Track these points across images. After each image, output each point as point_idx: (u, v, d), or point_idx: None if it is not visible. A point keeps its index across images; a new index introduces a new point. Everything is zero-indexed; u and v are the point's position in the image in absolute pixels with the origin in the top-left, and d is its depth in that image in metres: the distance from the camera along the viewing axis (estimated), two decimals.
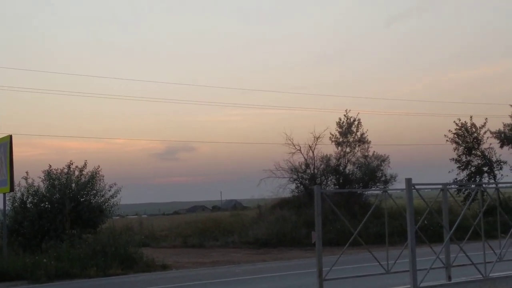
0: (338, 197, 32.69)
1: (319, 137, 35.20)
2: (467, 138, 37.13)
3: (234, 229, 33.31)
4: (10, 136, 22.70)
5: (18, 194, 25.39)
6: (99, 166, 26.45)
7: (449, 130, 37.24)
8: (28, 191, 25.58)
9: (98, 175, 26.24)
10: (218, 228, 34.21)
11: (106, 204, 26.32)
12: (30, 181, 25.64)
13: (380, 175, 34.91)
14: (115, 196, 26.47)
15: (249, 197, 47.03)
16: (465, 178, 36.21)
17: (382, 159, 35.32)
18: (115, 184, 26.60)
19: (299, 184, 35.35)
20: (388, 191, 13.52)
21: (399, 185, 28.21)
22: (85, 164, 26.25)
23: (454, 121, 37.35)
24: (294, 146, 35.05)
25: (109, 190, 26.38)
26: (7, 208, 24.15)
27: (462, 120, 37.31)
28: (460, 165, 37.09)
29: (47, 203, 25.48)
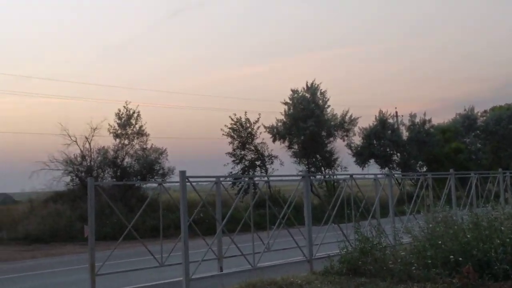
0: (115, 190, 32.22)
1: (96, 128, 34.30)
2: (241, 133, 38.58)
3: (2, 225, 31.22)
4: None
5: None
6: None
7: (225, 125, 38.47)
8: None
9: None
10: None
11: None
12: None
13: (158, 168, 34.99)
14: None
15: (20, 190, 44.50)
16: (240, 172, 37.62)
17: (160, 152, 35.45)
18: None
19: (74, 177, 34.18)
20: (166, 184, 13.57)
21: (177, 178, 28.48)
22: None
23: (230, 116, 38.66)
24: (70, 137, 33.83)
25: None
26: None
27: (238, 116, 38.75)
28: (235, 159, 38.48)
29: None
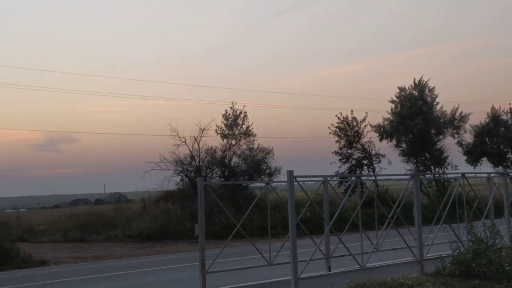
0: (223, 189, 32.79)
1: (204, 129, 35.13)
2: (348, 132, 38.24)
3: (117, 223, 32.57)
4: None
5: None
6: None
7: (331, 124, 38.25)
8: None
9: None
10: (101, 221, 33.32)
11: None
12: None
13: (264, 167, 35.30)
14: None
15: (133, 190, 46.22)
16: (346, 171, 37.30)
17: (267, 152, 35.74)
18: None
19: (184, 177, 35.13)
20: (272, 184, 13.65)
21: (283, 177, 28.62)
22: None
23: (336, 115, 38.40)
24: (179, 138, 34.79)
25: None
26: None
27: (344, 114, 38.44)
28: (342, 158, 38.18)
29: None
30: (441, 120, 39.54)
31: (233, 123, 35.84)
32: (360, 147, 38.30)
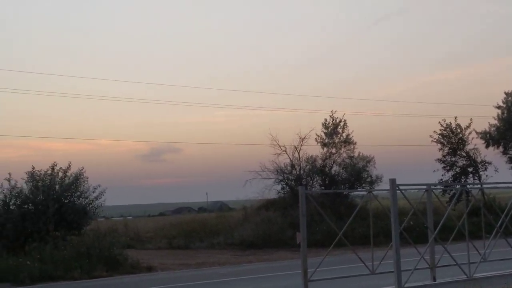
0: (324, 198, 32.70)
1: (304, 138, 35.25)
2: (452, 139, 37.23)
3: (219, 231, 33.20)
4: None
5: (1, 196, 25.12)
6: (83, 168, 26.24)
7: (434, 131, 37.38)
8: (11, 192, 25.30)
9: (82, 176, 26.01)
10: (204, 229, 34.08)
11: (90, 205, 26.09)
12: (13, 182, 25.37)
13: (365, 176, 34.97)
14: (100, 198, 26.25)
15: (235, 198, 46.94)
16: (450, 179, 36.32)
17: (368, 160, 35.40)
18: (99, 186, 26.39)
19: (284, 185, 35.33)
20: (374, 192, 13.50)
21: (385, 186, 28.24)
22: (69, 166, 26.03)
23: (439, 122, 37.48)
24: (280, 147, 35.06)
25: (93, 192, 26.16)
26: None
27: (447, 121, 37.47)
28: (445, 165, 37.20)
29: (30, 204, 25.22)
30: None
31: (333, 132, 35.77)
32: (464, 154, 37.17)
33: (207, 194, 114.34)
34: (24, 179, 25.59)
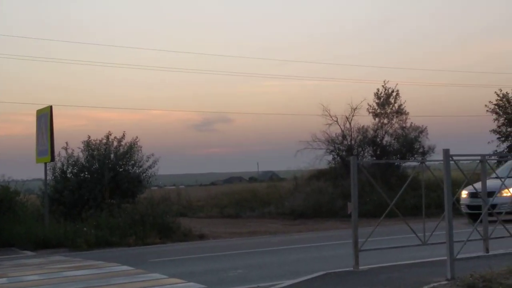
0: (375, 168, 32.52)
1: (356, 108, 34.97)
2: (508, 109, 36.43)
3: (270, 200, 33.46)
4: (50, 107, 22.99)
5: (59, 164, 25.78)
6: (137, 137, 26.68)
7: (490, 101, 36.62)
8: (68, 161, 25.96)
9: (136, 145, 26.47)
10: (255, 198, 34.40)
11: (144, 174, 26.58)
12: (69, 151, 26.01)
13: (418, 146, 34.58)
14: (153, 167, 26.69)
15: (286, 169, 47.14)
16: (505, 150, 35.62)
17: (420, 131, 34.96)
18: (152, 155, 26.82)
19: (335, 156, 35.26)
20: (426, 163, 13.39)
21: (437, 156, 27.93)
22: (124, 135, 26.51)
23: (495, 92, 36.67)
24: (331, 117, 34.88)
25: (146, 161, 26.61)
26: (48, 177, 24.52)
27: (504, 91, 36.62)
28: (500, 136, 36.48)
29: (86, 173, 25.86)
30: None
31: (385, 102, 35.39)
32: None
33: (258, 164, 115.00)
34: (80, 148, 26.24)
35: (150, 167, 26.63)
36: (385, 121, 35.29)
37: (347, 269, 11.40)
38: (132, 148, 26.37)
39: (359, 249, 11.28)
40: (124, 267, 13.74)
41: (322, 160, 35.09)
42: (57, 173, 25.85)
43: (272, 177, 78.06)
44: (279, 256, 15.64)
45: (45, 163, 23.27)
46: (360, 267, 11.28)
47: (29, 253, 18.82)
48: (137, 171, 26.44)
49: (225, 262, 14.58)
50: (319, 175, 35.11)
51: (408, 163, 36.90)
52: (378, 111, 35.38)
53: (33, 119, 24.31)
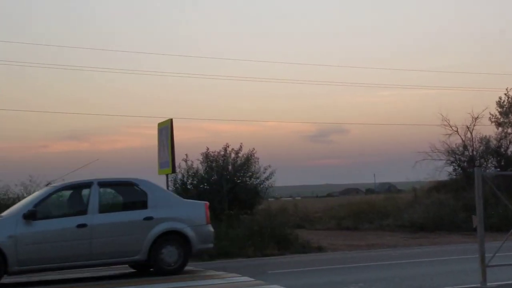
0: (499, 180, 31.15)
1: (477, 117, 33.79)
2: None
3: (388, 212, 32.85)
4: (171, 120, 23.67)
5: (179, 176, 26.58)
6: (253, 149, 27.09)
7: None
8: (188, 172, 26.72)
9: (253, 157, 26.87)
10: (373, 211, 33.89)
11: (261, 185, 26.90)
12: (189, 163, 26.78)
13: None
14: (270, 178, 26.99)
15: (404, 180, 46.20)
16: None
17: None
18: (269, 166, 27.10)
19: (456, 167, 34.19)
20: None
21: None
22: (241, 147, 26.99)
23: None
24: (451, 127, 33.90)
25: (263, 172, 26.94)
26: (169, 189, 25.28)
27: None
28: None
29: (205, 184, 26.50)
30: None
31: (509, 110, 34.02)
32: None
33: (374, 175, 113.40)
34: (199, 159, 26.96)
35: (267, 178, 26.95)
36: (510, 130, 33.89)
37: (474, 285, 10.95)
38: (249, 159, 26.78)
39: (486, 264, 10.82)
40: (244, 278, 13.89)
41: (442, 172, 34.18)
42: (178, 185, 26.63)
43: (389, 188, 76.80)
44: (401, 270, 15.28)
45: (167, 175, 23.96)
46: (488, 284, 10.80)
47: None
48: (255, 183, 26.80)
49: (345, 275, 14.42)
50: (439, 186, 34.18)
51: None
52: (501, 120, 34.04)
53: (151, 132, 25.21)
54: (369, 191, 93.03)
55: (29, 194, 21.99)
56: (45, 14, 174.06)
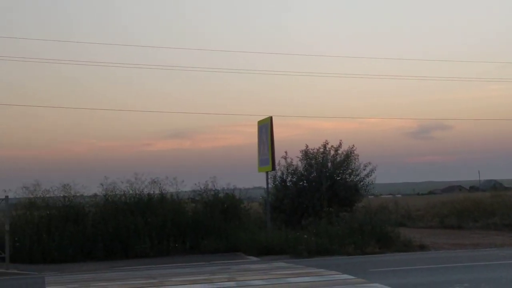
0: None
1: None
2: None
3: (495, 211, 31.61)
4: (271, 118, 23.80)
5: (279, 173, 26.68)
6: (353, 146, 26.78)
7: None
8: (287, 170, 26.77)
9: (352, 154, 26.57)
10: (478, 209, 32.71)
11: (361, 183, 26.55)
12: (289, 160, 26.80)
13: None
14: (370, 175, 26.59)
15: (511, 177, 44.40)
16: None
17: None
18: (369, 163, 26.71)
19: None
20: None
21: None
22: (340, 144, 26.74)
23: None
24: None
25: (363, 169, 26.57)
26: (269, 186, 25.42)
27: None
28: None
29: (305, 181, 26.47)
30: None
31: None
32: None
33: (479, 172, 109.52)
34: (298, 157, 26.95)
35: (367, 175, 26.56)
36: None
37: None
38: (349, 156, 26.50)
39: None
40: (345, 276, 13.77)
41: None
42: (277, 182, 26.76)
43: (495, 186, 74.05)
44: (509, 271, 14.67)
45: (267, 172, 24.12)
46: None
47: (253, 258, 19.60)
48: (354, 180, 26.49)
49: (449, 275, 13.99)
50: None
51: None
52: None
53: (251, 130, 25.36)
54: (473, 188, 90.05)
55: (134, 190, 22.67)
56: (144, 17, 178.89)
